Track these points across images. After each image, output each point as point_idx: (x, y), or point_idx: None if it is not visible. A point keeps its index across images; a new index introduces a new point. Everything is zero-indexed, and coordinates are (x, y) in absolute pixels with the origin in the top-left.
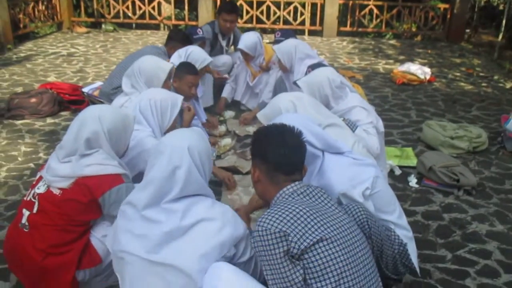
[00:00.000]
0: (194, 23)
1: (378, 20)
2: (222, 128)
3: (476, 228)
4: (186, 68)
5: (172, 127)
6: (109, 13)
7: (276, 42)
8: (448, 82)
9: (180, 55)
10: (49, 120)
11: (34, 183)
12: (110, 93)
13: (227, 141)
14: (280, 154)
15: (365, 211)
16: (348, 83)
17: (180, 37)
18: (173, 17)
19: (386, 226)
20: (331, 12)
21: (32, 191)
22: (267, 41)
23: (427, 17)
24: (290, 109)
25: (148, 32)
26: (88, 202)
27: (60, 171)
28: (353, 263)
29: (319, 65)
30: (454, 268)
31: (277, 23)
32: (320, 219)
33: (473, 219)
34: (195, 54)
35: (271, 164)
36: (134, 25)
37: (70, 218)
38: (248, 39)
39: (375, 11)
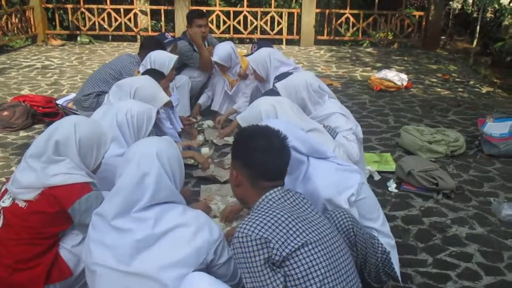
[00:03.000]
0: (171, 34)
1: (355, 28)
2: (199, 138)
3: (456, 231)
4: (154, 75)
5: None
6: (85, 25)
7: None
8: (425, 88)
9: (146, 67)
10: (22, 133)
11: None
12: (81, 100)
13: (205, 150)
14: (265, 160)
15: (351, 218)
16: (327, 89)
17: (152, 43)
18: (149, 28)
19: (370, 233)
20: (308, 21)
21: None
22: (245, 51)
23: (403, 25)
24: (271, 113)
25: (125, 43)
26: (55, 213)
27: (24, 181)
28: (335, 268)
29: (286, 74)
30: (435, 272)
31: (255, 33)
32: (302, 225)
33: (453, 223)
34: (159, 59)
35: (255, 170)
36: (110, 37)
37: (37, 231)
38: (221, 51)
39: (352, 19)
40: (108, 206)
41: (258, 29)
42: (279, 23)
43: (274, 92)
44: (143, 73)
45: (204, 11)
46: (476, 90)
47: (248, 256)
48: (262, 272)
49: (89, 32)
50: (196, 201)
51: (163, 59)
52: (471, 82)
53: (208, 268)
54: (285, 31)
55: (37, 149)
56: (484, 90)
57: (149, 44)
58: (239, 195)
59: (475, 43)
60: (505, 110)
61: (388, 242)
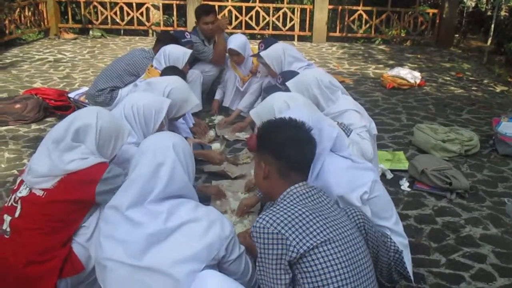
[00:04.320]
0: (183, 28)
1: (367, 25)
2: (211, 133)
3: (470, 231)
4: (171, 72)
5: None
6: (97, 19)
7: None
8: (438, 86)
9: (160, 62)
10: (34, 126)
11: (15, 188)
12: (95, 95)
13: (216, 146)
14: (294, 152)
15: (362, 215)
16: (339, 85)
17: (168, 38)
18: (161, 23)
19: (382, 232)
20: (321, 18)
21: (13, 196)
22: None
23: (416, 23)
24: (284, 110)
25: (137, 38)
26: (75, 200)
27: (40, 169)
28: (355, 268)
29: (291, 72)
30: (449, 272)
31: (267, 29)
32: (323, 223)
33: (467, 223)
34: (174, 53)
35: (285, 162)
36: (122, 31)
37: (55, 219)
38: (237, 39)
39: (364, 16)
40: (123, 195)
41: (270, 25)
42: (291, 19)
43: (276, 88)
44: (163, 71)
45: (212, 6)
46: (490, 89)
47: (263, 248)
48: (272, 266)
49: (101, 26)
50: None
51: (177, 53)
52: (485, 81)
53: (219, 264)
54: (297, 27)
55: (57, 134)
56: (498, 89)
57: (165, 39)
58: (266, 188)
59: (489, 41)
60: None
61: (401, 241)
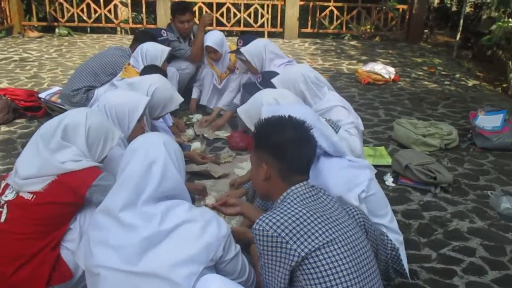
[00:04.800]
0: (152, 26)
1: (339, 21)
2: (190, 132)
3: (457, 225)
4: (151, 71)
5: (136, 133)
6: (63, 17)
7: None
8: (412, 81)
9: (137, 60)
10: (4, 128)
11: None
12: (70, 95)
13: (197, 145)
14: (296, 152)
15: (362, 214)
16: (325, 80)
17: (147, 38)
18: (130, 20)
19: (380, 230)
20: (292, 14)
21: None
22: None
23: (387, 18)
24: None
25: (105, 36)
26: (66, 202)
27: (29, 170)
28: (360, 269)
29: (270, 73)
30: (440, 267)
31: (238, 25)
32: (326, 223)
33: (453, 217)
34: (152, 51)
35: (287, 163)
36: (89, 29)
37: (44, 223)
38: (214, 36)
39: (336, 12)
40: (115, 197)
41: (241, 21)
42: (262, 16)
43: (255, 86)
44: (143, 70)
45: (189, 4)
46: (462, 83)
47: (262, 250)
48: (271, 265)
49: (67, 24)
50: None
51: (155, 51)
52: (457, 75)
53: (216, 266)
54: (268, 23)
55: (46, 132)
56: (470, 83)
57: (142, 38)
58: (265, 190)
59: (458, 36)
60: (492, 103)
61: (396, 238)
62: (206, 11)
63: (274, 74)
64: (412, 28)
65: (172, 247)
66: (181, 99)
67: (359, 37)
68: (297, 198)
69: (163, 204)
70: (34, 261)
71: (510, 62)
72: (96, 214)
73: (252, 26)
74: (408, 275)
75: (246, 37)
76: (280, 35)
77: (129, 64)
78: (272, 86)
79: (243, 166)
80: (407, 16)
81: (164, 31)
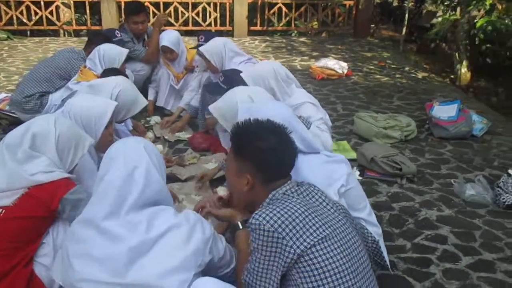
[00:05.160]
0: (97, 27)
1: (287, 18)
2: (149, 135)
3: (426, 214)
4: (112, 74)
5: (104, 140)
6: (1, 20)
7: (200, 46)
8: (364, 75)
9: (94, 62)
10: None
11: None
12: (22, 102)
13: (159, 147)
14: (279, 160)
15: (344, 208)
16: (293, 77)
17: (101, 40)
18: (73, 22)
19: (360, 223)
20: (241, 12)
21: None
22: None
23: (334, 14)
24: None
25: (47, 39)
26: (38, 216)
27: None
28: (352, 260)
29: (232, 71)
30: (416, 256)
31: (185, 25)
32: (318, 219)
33: (421, 206)
34: (109, 53)
35: (270, 172)
36: (28, 32)
37: (15, 239)
38: (170, 36)
39: (284, 9)
40: (96, 207)
41: (190, 20)
42: (211, 14)
43: (218, 86)
44: (103, 73)
45: (143, 5)
46: (412, 75)
47: (256, 244)
48: (265, 262)
49: (5, 27)
50: None
51: (113, 53)
52: (406, 68)
53: (209, 265)
54: (217, 22)
55: (12, 141)
56: (420, 75)
57: (97, 40)
58: (250, 199)
59: (403, 31)
60: (443, 94)
61: (375, 231)
62: (153, 11)
63: (237, 72)
64: (360, 24)
65: (161, 255)
66: (146, 102)
67: (306, 33)
68: (287, 195)
69: (147, 211)
70: (6, 280)
71: (456, 54)
72: (74, 226)
73: (201, 25)
74: (389, 266)
75: (207, 34)
76: (230, 34)
77: (85, 67)
78: (236, 84)
79: (208, 167)
80: (354, 12)
81: (118, 32)
